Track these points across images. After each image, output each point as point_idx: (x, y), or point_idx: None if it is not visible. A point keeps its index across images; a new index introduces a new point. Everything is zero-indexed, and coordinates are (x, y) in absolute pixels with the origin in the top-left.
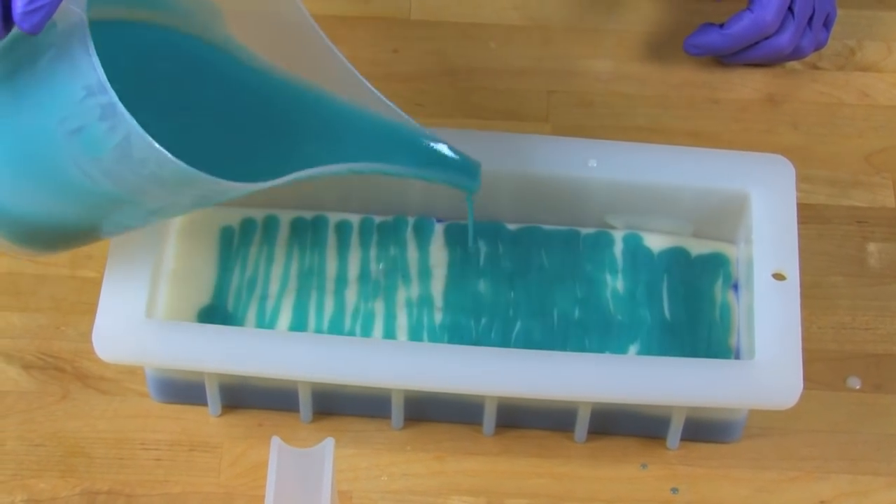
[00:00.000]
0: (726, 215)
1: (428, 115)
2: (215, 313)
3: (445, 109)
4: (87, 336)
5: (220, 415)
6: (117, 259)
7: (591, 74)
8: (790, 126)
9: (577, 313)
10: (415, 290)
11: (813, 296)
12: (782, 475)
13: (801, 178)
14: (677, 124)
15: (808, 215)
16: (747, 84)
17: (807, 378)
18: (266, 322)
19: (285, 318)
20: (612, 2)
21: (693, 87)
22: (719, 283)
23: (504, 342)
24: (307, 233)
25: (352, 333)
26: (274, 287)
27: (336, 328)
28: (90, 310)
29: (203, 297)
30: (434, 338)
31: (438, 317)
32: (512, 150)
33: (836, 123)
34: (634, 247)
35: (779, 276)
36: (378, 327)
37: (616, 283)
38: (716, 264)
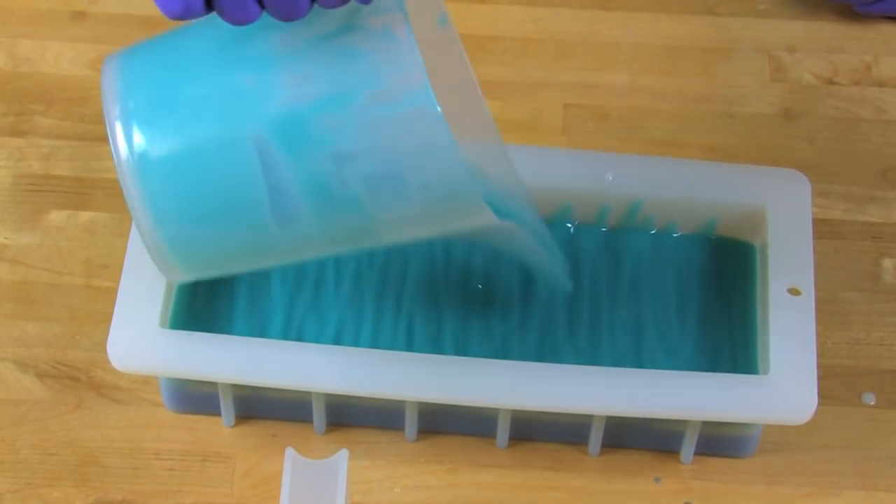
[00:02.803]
0: (741, 230)
1: None
2: (230, 323)
3: None
4: (101, 346)
5: (234, 425)
6: (132, 269)
7: (608, 88)
8: (806, 141)
9: (597, 322)
10: (440, 294)
11: (828, 311)
12: (796, 491)
13: (817, 194)
14: (693, 138)
15: (824, 230)
16: (763, 99)
17: (821, 394)
18: (281, 333)
19: (302, 328)
20: (628, 15)
21: (709, 101)
22: (734, 297)
23: (523, 347)
24: None
25: (377, 340)
26: (292, 297)
27: (354, 337)
28: (105, 319)
29: (217, 308)
30: (459, 341)
31: (462, 320)
32: (528, 163)
33: (852, 139)
34: (649, 259)
35: (794, 292)
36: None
37: (631, 295)
38: (730, 278)
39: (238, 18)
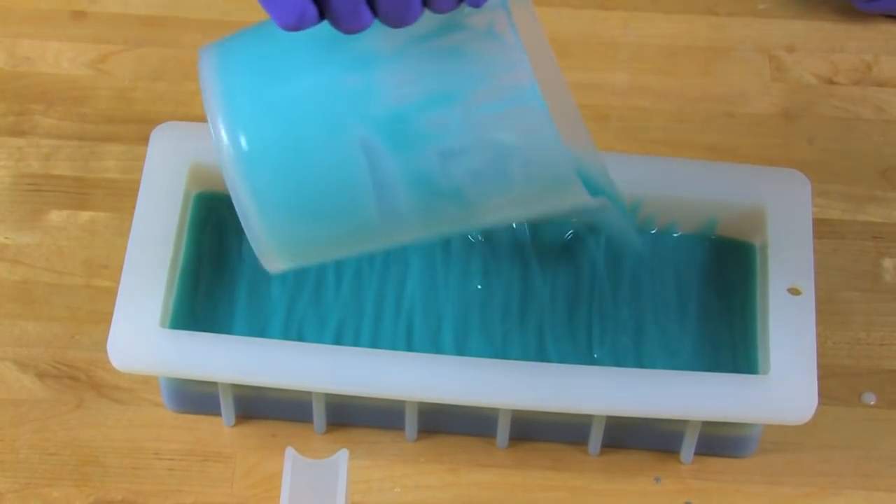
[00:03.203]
0: (741, 230)
1: None
2: (230, 323)
3: None
4: (101, 345)
5: (234, 425)
6: (132, 268)
7: (607, 87)
8: (806, 141)
9: (597, 322)
10: (440, 294)
11: (828, 311)
12: (796, 490)
13: (817, 193)
14: (693, 138)
15: (824, 230)
16: (763, 98)
17: (821, 393)
18: (281, 333)
19: (302, 328)
20: (627, 15)
21: (709, 100)
22: (734, 297)
23: (523, 347)
24: None
25: (381, 340)
26: (292, 298)
27: (354, 337)
28: (105, 319)
29: (217, 308)
30: (459, 341)
31: (462, 320)
32: None
33: (852, 138)
34: (649, 259)
35: (794, 291)
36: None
37: (631, 295)
38: (730, 278)
39: (352, 27)
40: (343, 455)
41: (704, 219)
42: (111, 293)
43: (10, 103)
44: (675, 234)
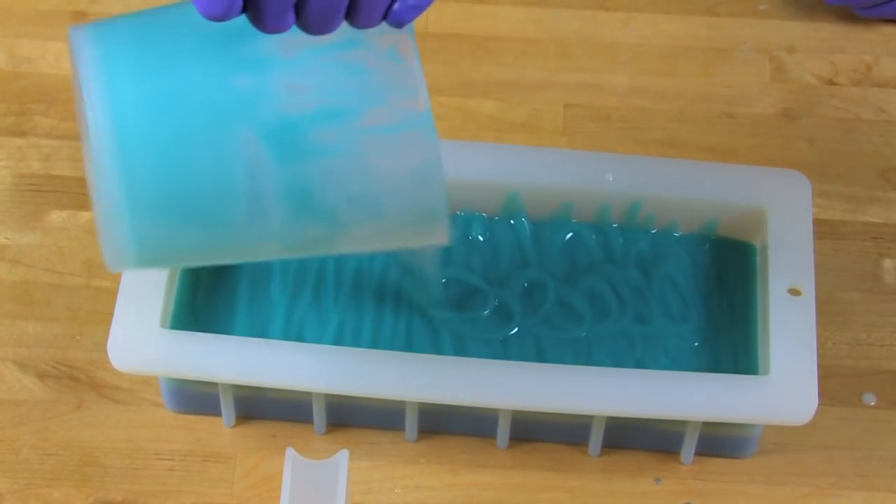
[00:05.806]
0: (742, 230)
1: (444, 128)
2: (230, 323)
3: (461, 122)
4: (101, 346)
5: (234, 425)
6: None
7: (608, 88)
8: (806, 141)
9: (596, 323)
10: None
11: (828, 311)
12: (796, 491)
13: (817, 194)
14: (693, 139)
15: (824, 231)
16: (763, 99)
17: (822, 394)
18: (282, 333)
19: (302, 329)
20: (628, 16)
21: (709, 101)
22: (734, 297)
23: (523, 348)
24: None
25: (382, 340)
26: (292, 298)
27: (355, 339)
28: (105, 319)
29: (217, 308)
30: (459, 341)
31: (462, 320)
32: (528, 163)
33: (852, 139)
34: (649, 259)
35: (794, 292)
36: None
37: (632, 294)
38: (730, 278)
39: (274, 28)
40: (343, 455)
41: (704, 219)
42: (111, 293)
43: (10, 103)
44: (675, 234)
